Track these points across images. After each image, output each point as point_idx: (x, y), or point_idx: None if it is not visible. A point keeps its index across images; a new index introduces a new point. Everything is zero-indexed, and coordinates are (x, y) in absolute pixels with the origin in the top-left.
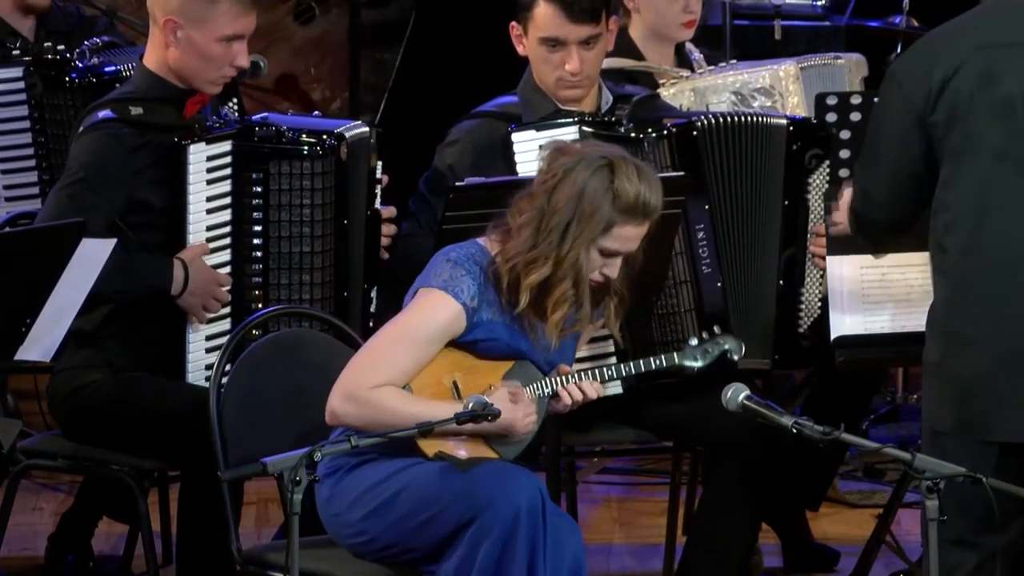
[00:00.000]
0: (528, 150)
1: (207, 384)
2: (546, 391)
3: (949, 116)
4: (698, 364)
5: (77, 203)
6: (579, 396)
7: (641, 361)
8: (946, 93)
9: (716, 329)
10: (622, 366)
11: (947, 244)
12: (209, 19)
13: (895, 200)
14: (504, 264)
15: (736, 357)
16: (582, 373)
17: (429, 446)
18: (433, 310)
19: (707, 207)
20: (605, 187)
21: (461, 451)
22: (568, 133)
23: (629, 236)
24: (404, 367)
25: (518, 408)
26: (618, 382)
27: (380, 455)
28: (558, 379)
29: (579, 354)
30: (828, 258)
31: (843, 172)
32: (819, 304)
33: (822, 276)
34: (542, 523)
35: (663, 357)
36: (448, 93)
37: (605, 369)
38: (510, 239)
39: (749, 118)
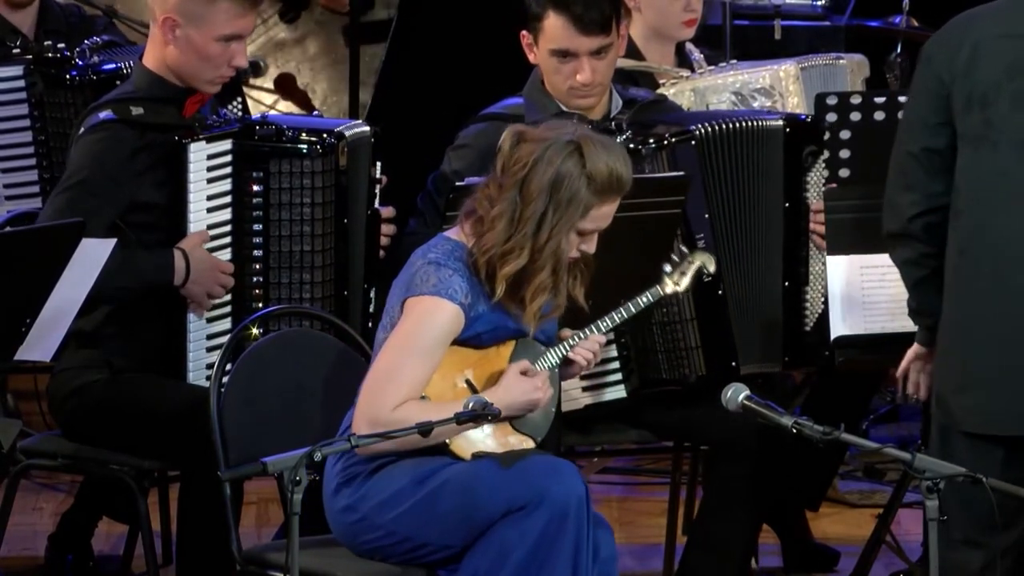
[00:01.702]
0: None
1: (207, 384)
2: (554, 362)
3: (968, 99)
4: (680, 288)
5: (76, 206)
6: (589, 356)
7: (629, 303)
8: (971, 76)
9: (683, 249)
10: (614, 314)
11: (955, 230)
12: (207, 18)
13: (907, 185)
14: (481, 257)
15: (710, 270)
16: (580, 334)
17: (461, 448)
18: (432, 317)
19: (707, 216)
20: (578, 172)
21: (490, 441)
22: None
23: (607, 214)
24: (418, 379)
25: (536, 381)
26: (622, 386)
27: (399, 458)
28: (563, 345)
29: None
30: (828, 258)
31: (843, 172)
32: (823, 301)
33: (824, 272)
34: (587, 518)
35: (648, 293)
36: (435, 90)
37: (600, 322)
38: (484, 230)
39: (746, 122)
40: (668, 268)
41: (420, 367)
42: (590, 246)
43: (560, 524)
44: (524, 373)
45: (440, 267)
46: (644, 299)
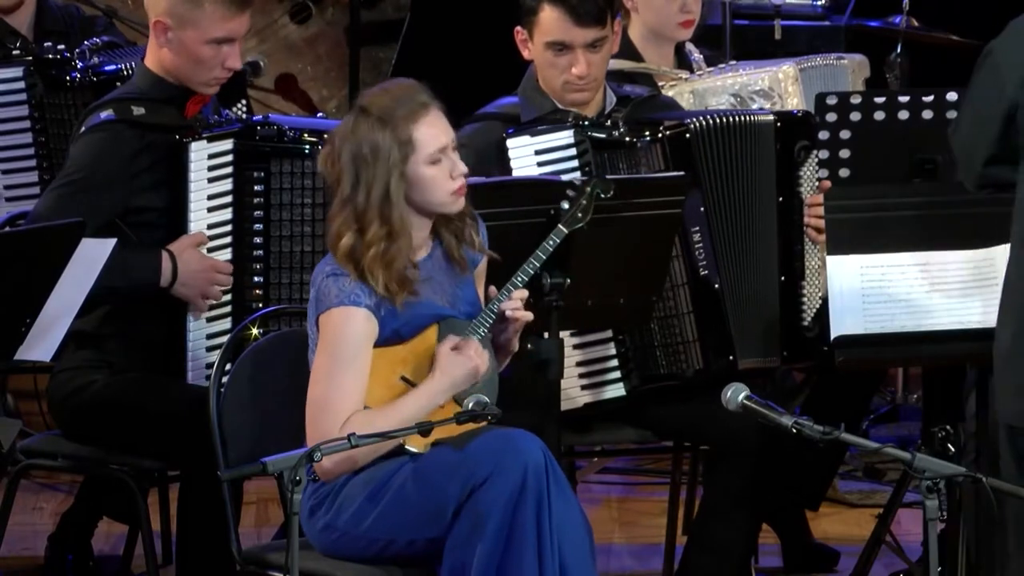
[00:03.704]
0: (523, 155)
1: (207, 384)
2: (482, 331)
3: None
4: (586, 219)
5: (69, 204)
6: (518, 305)
7: (538, 251)
8: None
9: (577, 180)
10: (527, 266)
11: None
12: (196, 21)
13: (968, 168)
14: (339, 259)
15: (609, 193)
16: (499, 296)
17: (417, 443)
18: (345, 327)
19: (702, 209)
20: (370, 125)
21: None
22: (563, 138)
23: (434, 128)
24: (354, 391)
25: (469, 351)
26: (621, 384)
27: (361, 469)
28: (485, 313)
29: (579, 358)
30: (828, 258)
31: (843, 172)
32: (820, 295)
33: (820, 267)
34: (546, 484)
35: (552, 236)
36: (445, 91)
37: (515, 278)
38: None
39: (739, 117)
40: (566, 206)
41: (351, 380)
42: (457, 166)
43: (520, 495)
44: (454, 349)
45: (338, 278)
46: (551, 242)
